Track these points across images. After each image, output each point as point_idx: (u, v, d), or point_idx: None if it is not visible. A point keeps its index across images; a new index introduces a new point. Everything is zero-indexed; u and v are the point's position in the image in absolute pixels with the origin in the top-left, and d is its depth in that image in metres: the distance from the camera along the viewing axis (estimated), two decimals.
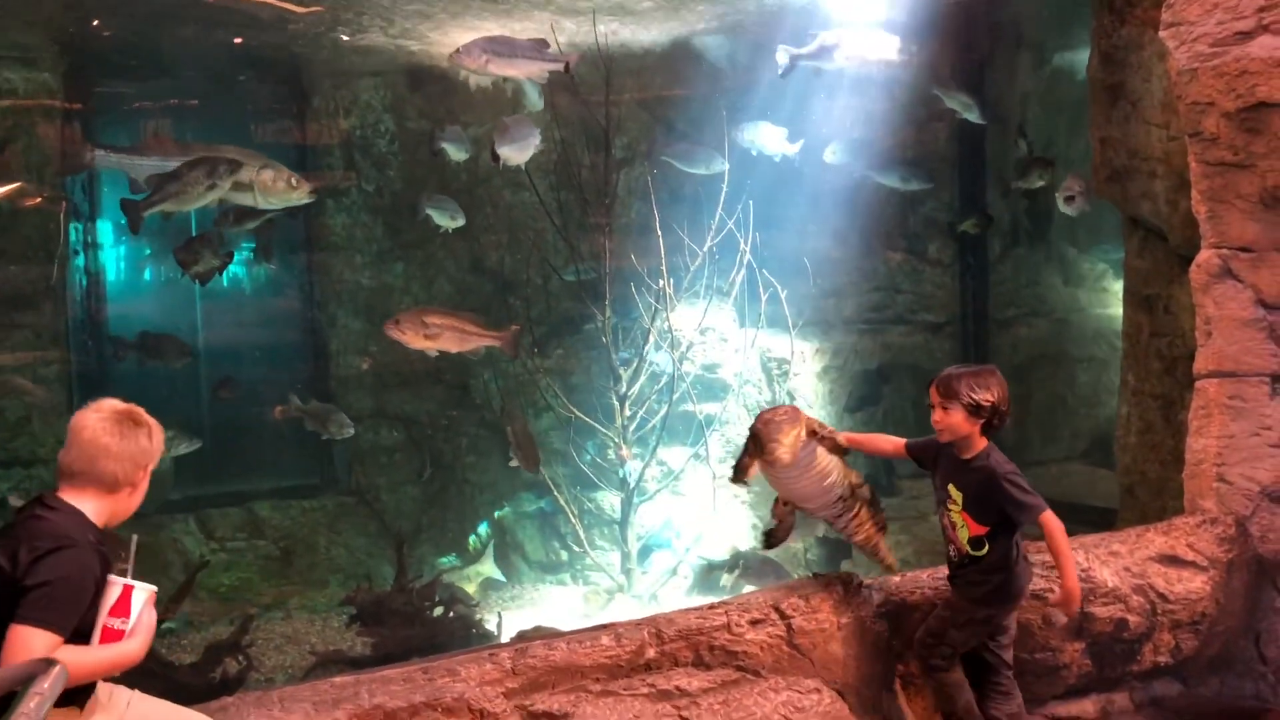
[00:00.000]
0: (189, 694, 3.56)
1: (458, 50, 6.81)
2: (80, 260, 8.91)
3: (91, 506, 3.11)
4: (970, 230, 9.40)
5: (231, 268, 9.67)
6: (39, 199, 8.45)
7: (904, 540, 8.05)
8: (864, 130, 8.88)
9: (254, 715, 3.74)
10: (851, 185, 8.89)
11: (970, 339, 9.72)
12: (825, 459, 4.26)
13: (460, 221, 8.25)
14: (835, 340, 8.97)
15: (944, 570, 4.48)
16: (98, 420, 3.14)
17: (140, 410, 3.25)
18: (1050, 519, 4.10)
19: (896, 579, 4.86)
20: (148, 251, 9.35)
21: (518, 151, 7.15)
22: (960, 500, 4.24)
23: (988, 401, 4.07)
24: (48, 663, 1.75)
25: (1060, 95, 9.72)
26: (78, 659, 2.86)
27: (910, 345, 9.34)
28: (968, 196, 9.74)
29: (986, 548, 4.18)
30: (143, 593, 3.16)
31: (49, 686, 1.61)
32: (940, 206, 9.72)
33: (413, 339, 7.12)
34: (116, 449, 3.12)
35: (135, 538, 3.27)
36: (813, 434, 4.18)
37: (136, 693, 3.30)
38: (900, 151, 8.97)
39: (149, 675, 4.14)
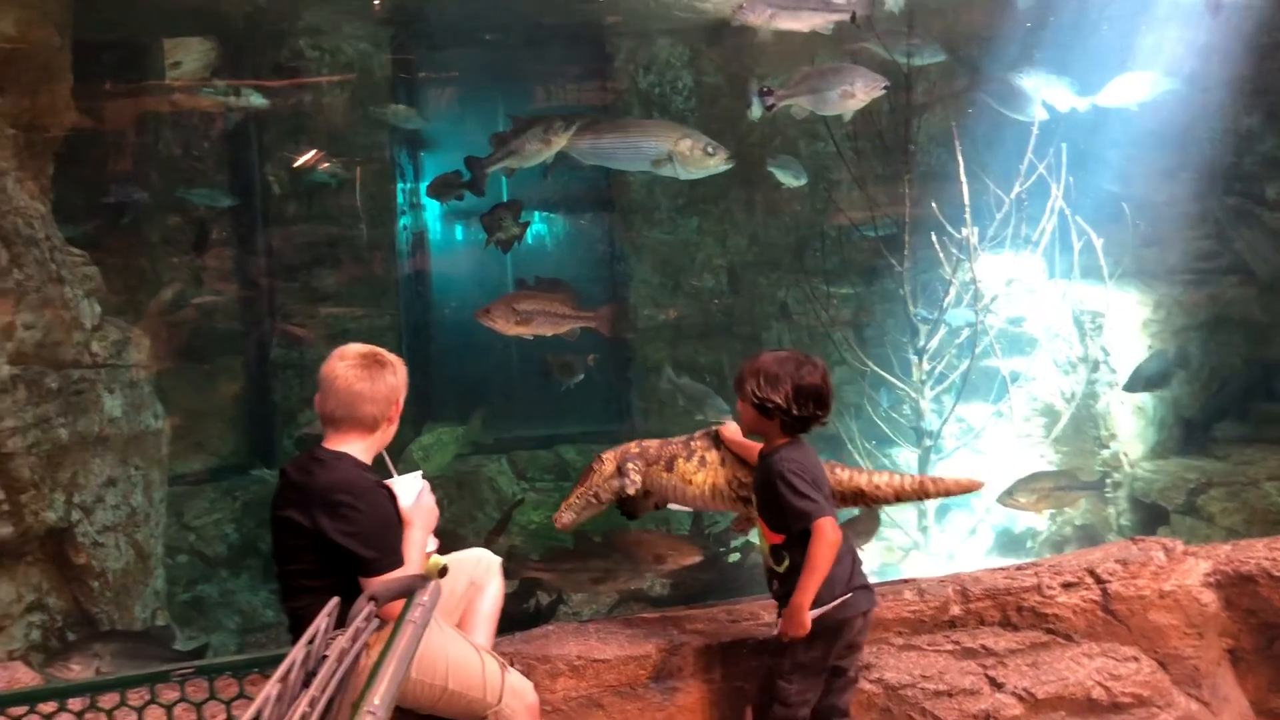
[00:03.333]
0: (505, 621, 3.83)
1: (741, 5, 6.77)
2: (406, 220, 9.65)
3: (358, 447, 3.33)
4: None
5: (536, 225, 10.22)
6: (363, 167, 9.17)
7: (1231, 508, 7.46)
8: (1194, 63, 8.13)
9: (573, 643, 3.99)
10: (1177, 124, 8.18)
11: None
12: (675, 477, 4.14)
13: (803, 180, 8.20)
14: (1157, 292, 8.33)
15: None
16: (347, 368, 3.32)
17: (382, 350, 3.42)
18: (823, 526, 3.45)
19: (1228, 547, 4.53)
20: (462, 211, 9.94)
21: (818, 103, 6.96)
22: (756, 503, 3.78)
23: (773, 402, 3.58)
24: (424, 578, 1.95)
25: None
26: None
27: (1242, 298, 8.52)
28: None
29: (786, 561, 3.60)
30: (415, 481, 3.41)
31: (429, 598, 1.80)
32: None
33: (505, 326, 7.02)
34: (370, 392, 3.31)
35: (383, 453, 3.46)
36: (628, 464, 4.17)
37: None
38: (1238, 85, 8.15)
39: None
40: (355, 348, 3.40)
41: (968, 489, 4.13)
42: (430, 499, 3.44)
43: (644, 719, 3.93)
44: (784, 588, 3.60)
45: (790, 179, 8.20)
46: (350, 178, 9.07)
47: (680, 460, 4.15)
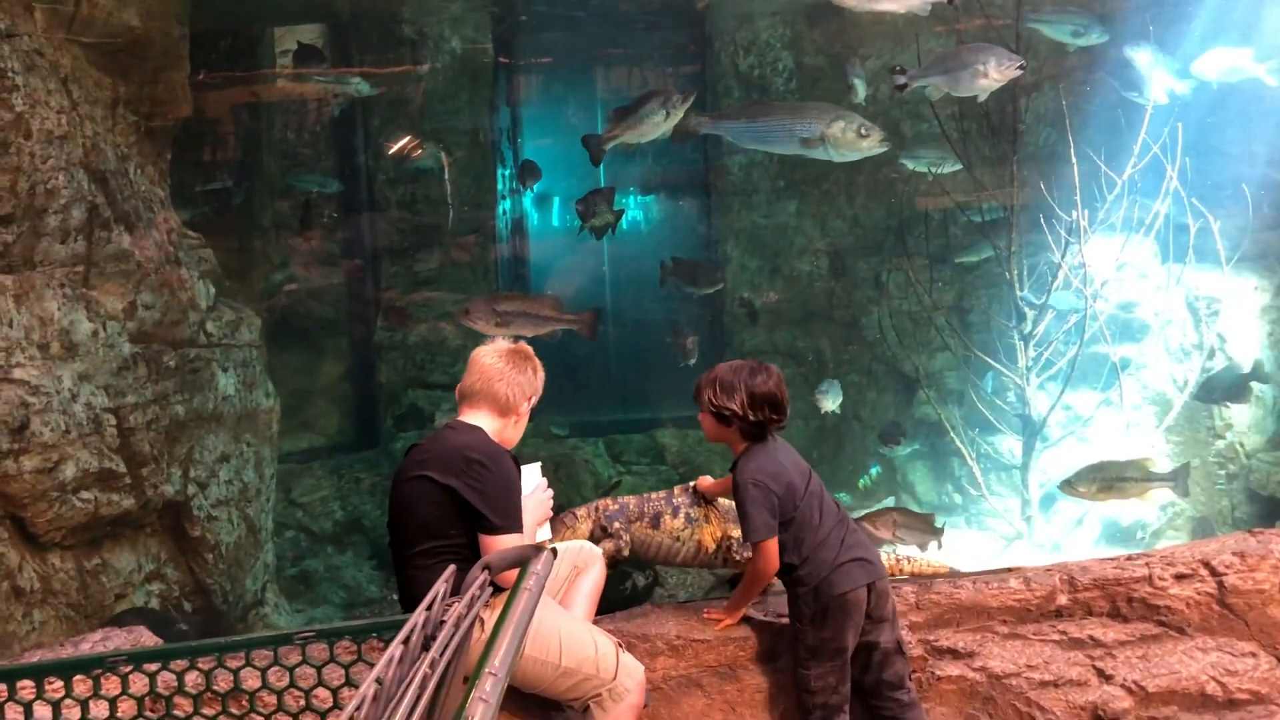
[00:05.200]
0: (603, 603, 3.89)
1: None
2: (506, 204, 9.77)
3: (489, 425, 3.54)
4: None
5: (633, 209, 10.26)
6: (464, 152, 9.28)
7: None
8: None
9: (673, 622, 4.02)
10: None
11: None
12: (662, 534, 4.20)
13: (942, 169, 8.11)
14: (1278, 277, 8.01)
15: None
16: (494, 351, 3.62)
17: (529, 348, 3.68)
18: (763, 551, 3.69)
19: None
20: (558, 198, 10.01)
21: (951, 83, 6.80)
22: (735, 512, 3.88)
23: (729, 410, 3.70)
24: (538, 548, 1.99)
25: None
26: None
27: None
28: None
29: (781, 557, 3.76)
30: (535, 474, 3.63)
31: (541, 568, 1.83)
32: None
33: (485, 326, 7.02)
34: (509, 375, 3.56)
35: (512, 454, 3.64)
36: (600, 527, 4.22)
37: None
38: None
39: None
40: (506, 342, 3.69)
41: (938, 572, 4.48)
42: (547, 493, 3.66)
43: (743, 700, 3.93)
44: (786, 576, 3.79)
45: (924, 167, 8.06)
46: (452, 162, 9.21)
47: (666, 517, 4.21)
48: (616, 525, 4.20)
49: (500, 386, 3.55)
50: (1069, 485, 7.06)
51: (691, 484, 4.31)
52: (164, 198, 6.33)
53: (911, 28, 8.53)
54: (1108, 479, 6.92)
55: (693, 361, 8.42)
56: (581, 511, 4.29)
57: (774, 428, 3.81)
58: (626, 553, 4.19)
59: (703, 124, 7.66)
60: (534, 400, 3.64)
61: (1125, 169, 7.38)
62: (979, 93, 6.70)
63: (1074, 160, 7.31)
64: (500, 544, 3.26)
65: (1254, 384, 7.86)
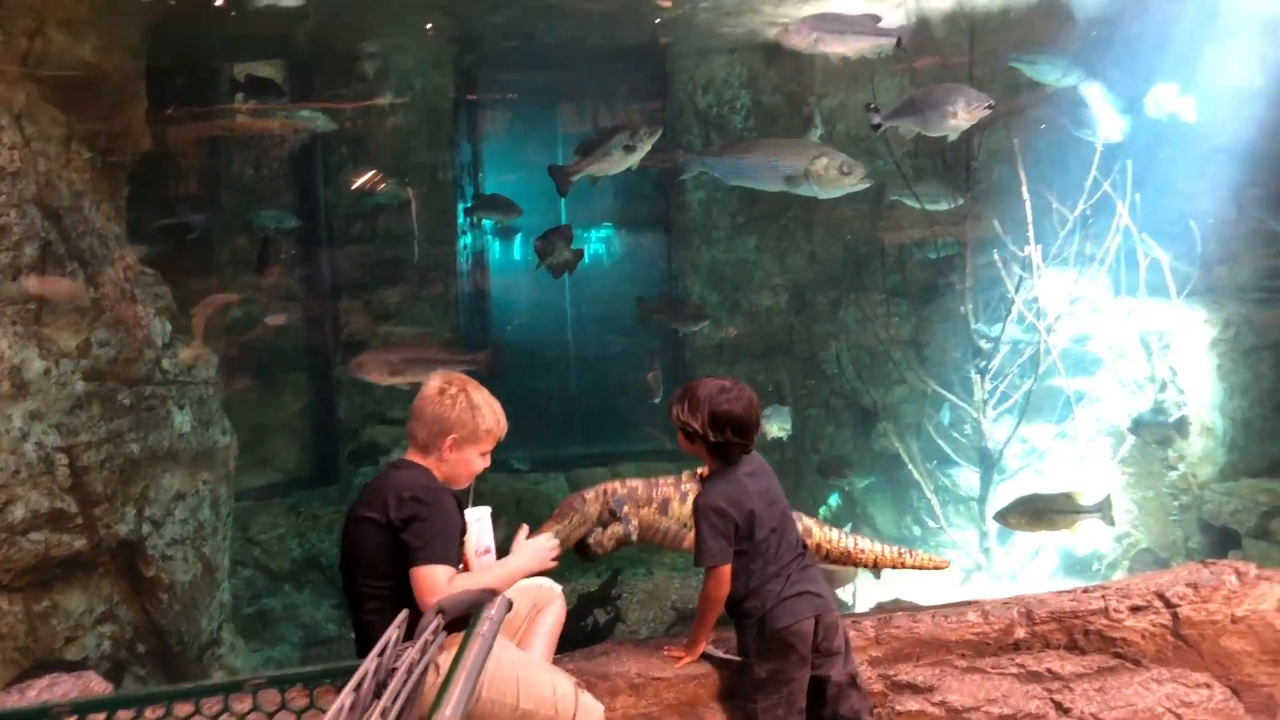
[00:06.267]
0: (563, 639, 3.86)
1: (787, 28, 6.79)
2: (467, 239, 9.76)
3: (425, 463, 3.46)
4: None
5: (594, 243, 10.30)
6: (425, 187, 9.30)
7: None
8: (1262, 78, 7.97)
9: (633, 660, 4.00)
10: (1245, 140, 8.04)
11: None
12: (671, 521, 4.21)
13: (940, 206, 8.21)
14: (1226, 311, 8.17)
15: None
16: (431, 386, 3.49)
17: (471, 383, 3.53)
18: (717, 573, 3.63)
19: None
20: (520, 232, 10.02)
21: (921, 123, 6.90)
22: None
23: (691, 427, 3.68)
24: (492, 592, 1.97)
25: None
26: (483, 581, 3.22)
27: None
28: None
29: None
30: (481, 516, 3.53)
31: (496, 613, 1.82)
32: None
33: (378, 377, 7.01)
34: (428, 412, 3.44)
35: (471, 485, 3.59)
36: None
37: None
38: None
39: None
40: (454, 375, 3.56)
41: (939, 566, 4.54)
42: (487, 537, 3.55)
43: None
44: (733, 615, 3.76)
45: (925, 203, 8.18)
46: (413, 197, 9.21)
47: (675, 503, 4.18)
48: (625, 510, 4.15)
49: (412, 425, 3.47)
50: (1002, 517, 7.17)
51: (699, 470, 4.19)
52: (120, 234, 6.27)
53: (867, 67, 8.68)
54: (1036, 511, 7.02)
55: (658, 400, 8.43)
56: (590, 494, 4.24)
57: (736, 451, 3.74)
58: (635, 538, 4.14)
59: (690, 161, 7.77)
60: (461, 437, 3.45)
61: (1077, 205, 7.51)
62: (949, 132, 6.81)
63: (1025, 196, 7.44)
64: (425, 575, 3.19)
65: (1177, 433, 8.00)
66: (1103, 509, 6.87)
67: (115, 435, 5.77)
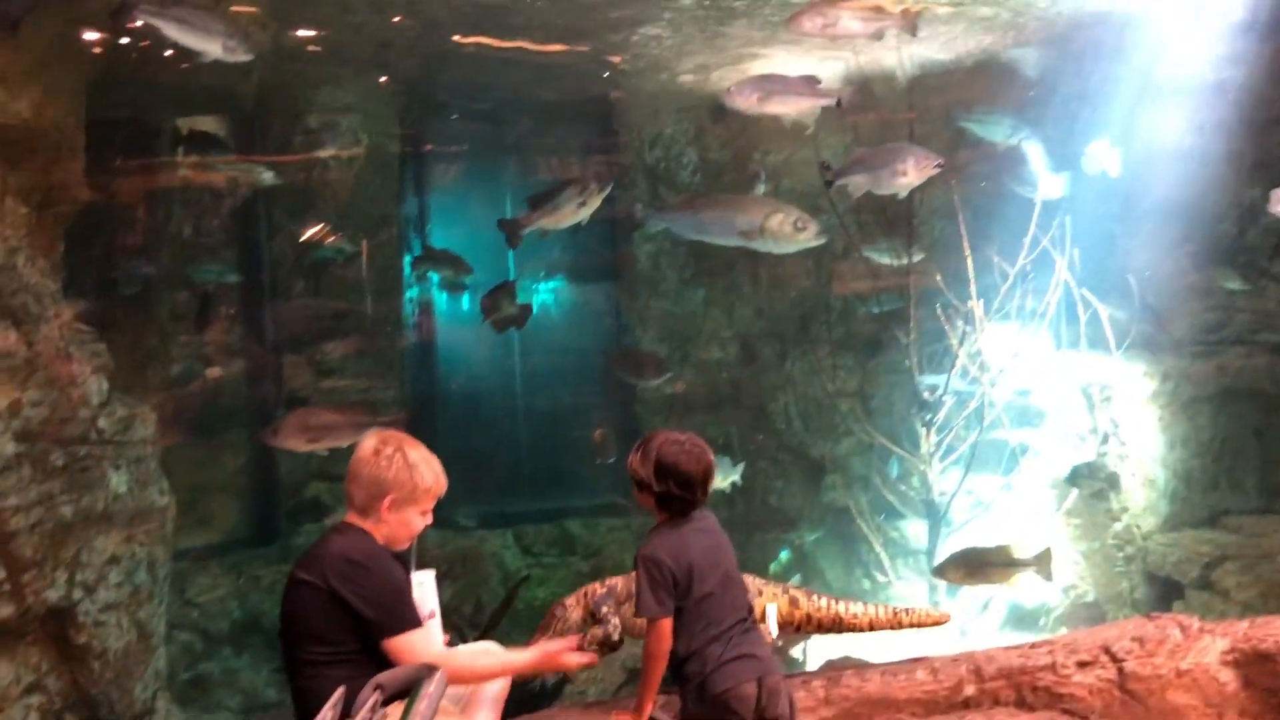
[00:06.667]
0: (511, 703, 3.77)
1: (729, 90, 6.89)
2: (413, 292, 9.70)
3: (365, 525, 3.39)
4: None
5: (543, 295, 10.29)
6: (371, 241, 9.25)
7: (1246, 582, 7.36)
8: (1194, 139, 8.22)
9: None
10: (1181, 198, 8.26)
11: None
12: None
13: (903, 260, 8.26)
14: (1164, 363, 8.32)
15: None
16: (366, 446, 3.43)
17: (408, 441, 3.46)
18: (659, 627, 3.55)
19: (1245, 624, 4.45)
20: (468, 284, 10.01)
21: (873, 181, 6.99)
22: None
23: (639, 476, 3.66)
24: (430, 668, 1.92)
25: None
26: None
27: (1250, 369, 8.50)
28: None
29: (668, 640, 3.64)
30: (426, 579, 3.49)
31: (434, 689, 1.77)
32: None
33: (296, 444, 6.92)
34: (364, 474, 3.38)
35: (414, 544, 3.53)
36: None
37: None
38: (1238, 160, 8.22)
39: None
40: (390, 433, 3.48)
41: (938, 622, 4.45)
42: (432, 602, 3.52)
43: None
44: (673, 676, 3.65)
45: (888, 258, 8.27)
46: (357, 252, 9.14)
47: None
48: (605, 610, 4.07)
49: (352, 487, 3.39)
50: (940, 571, 7.18)
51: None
52: (55, 290, 6.14)
53: (811, 124, 8.80)
54: (973, 565, 7.04)
55: (612, 460, 8.39)
56: (570, 600, 4.17)
57: (681, 504, 3.68)
58: (617, 637, 4.05)
59: (651, 215, 7.84)
60: (399, 498, 3.38)
61: (1018, 259, 7.64)
62: (899, 190, 6.92)
63: (967, 252, 7.56)
64: (403, 645, 3.16)
65: (1108, 486, 8.14)
66: (1040, 562, 6.86)
67: (47, 498, 5.61)
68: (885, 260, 8.18)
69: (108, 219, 7.96)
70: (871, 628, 4.40)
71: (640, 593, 3.59)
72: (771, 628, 4.38)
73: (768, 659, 3.69)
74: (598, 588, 4.16)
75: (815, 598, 4.41)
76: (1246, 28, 7.39)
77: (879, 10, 6.47)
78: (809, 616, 4.38)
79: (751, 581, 4.50)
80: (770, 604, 4.41)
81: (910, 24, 6.49)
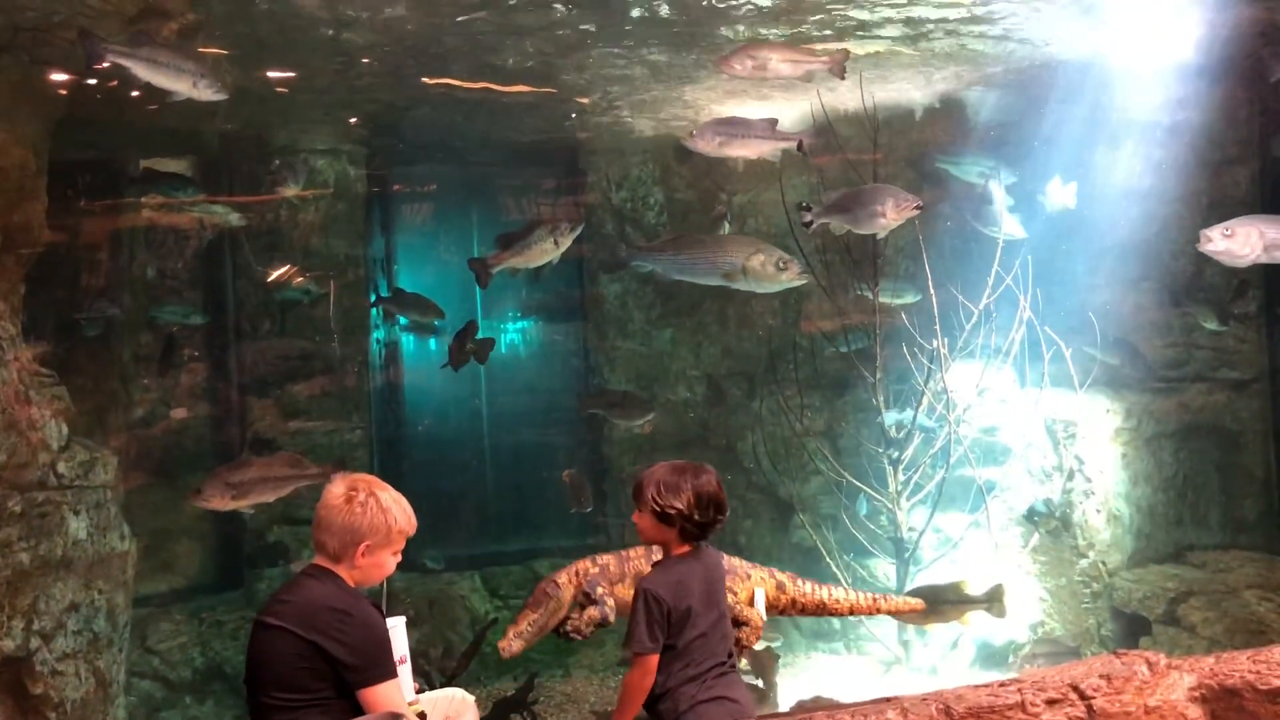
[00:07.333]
0: None
1: (691, 133, 6.96)
2: (380, 333, 9.65)
3: (338, 571, 3.38)
4: None
5: (511, 335, 10.27)
6: (338, 281, 9.20)
7: (1212, 617, 7.40)
8: (1151, 179, 8.37)
9: None
10: (1139, 237, 8.40)
11: None
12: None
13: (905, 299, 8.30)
14: (1127, 400, 8.41)
15: (1268, 652, 4.08)
16: (335, 493, 3.41)
17: (376, 484, 3.44)
18: (644, 662, 3.58)
19: (1211, 660, 4.47)
20: (437, 324, 9.98)
21: (851, 221, 7.03)
22: None
23: (674, 509, 3.67)
24: (395, 716, 1.89)
25: None
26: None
27: (1211, 405, 8.61)
28: None
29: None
30: (396, 625, 3.47)
31: None
32: None
33: (221, 503, 6.80)
34: (337, 521, 3.35)
35: (383, 585, 3.53)
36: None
37: None
38: (1194, 199, 8.38)
39: None
40: (358, 477, 3.46)
41: (914, 609, 4.91)
42: (403, 650, 3.49)
43: None
44: (649, 708, 3.69)
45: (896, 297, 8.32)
46: (324, 293, 9.09)
47: None
48: (600, 590, 4.09)
49: (320, 535, 3.38)
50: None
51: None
52: (15, 334, 6.06)
53: (777, 165, 8.88)
54: (926, 602, 7.02)
55: (589, 510, 8.37)
56: (563, 578, 4.19)
57: (716, 529, 3.75)
58: (613, 618, 4.06)
59: (633, 254, 7.88)
60: (370, 543, 3.36)
61: (981, 298, 7.71)
62: (878, 231, 6.99)
63: (931, 291, 7.63)
64: (379, 694, 3.15)
65: (1061, 524, 8.19)
66: (991, 599, 6.81)
67: (4, 544, 5.51)
68: (886, 299, 8.23)
69: (70, 260, 7.88)
70: (852, 612, 4.77)
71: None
72: (760, 610, 4.55)
73: (744, 703, 3.71)
74: (589, 566, 4.17)
75: (800, 583, 4.69)
76: (1199, 71, 7.55)
77: (809, 53, 6.56)
78: (794, 601, 4.60)
79: (741, 565, 4.61)
80: (759, 588, 4.61)
81: (838, 67, 6.58)
